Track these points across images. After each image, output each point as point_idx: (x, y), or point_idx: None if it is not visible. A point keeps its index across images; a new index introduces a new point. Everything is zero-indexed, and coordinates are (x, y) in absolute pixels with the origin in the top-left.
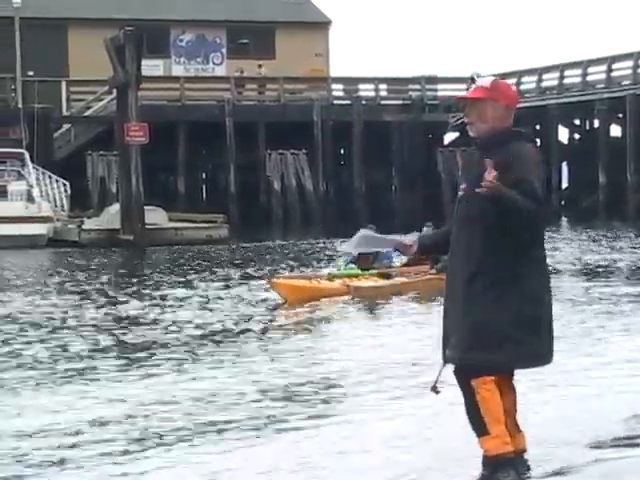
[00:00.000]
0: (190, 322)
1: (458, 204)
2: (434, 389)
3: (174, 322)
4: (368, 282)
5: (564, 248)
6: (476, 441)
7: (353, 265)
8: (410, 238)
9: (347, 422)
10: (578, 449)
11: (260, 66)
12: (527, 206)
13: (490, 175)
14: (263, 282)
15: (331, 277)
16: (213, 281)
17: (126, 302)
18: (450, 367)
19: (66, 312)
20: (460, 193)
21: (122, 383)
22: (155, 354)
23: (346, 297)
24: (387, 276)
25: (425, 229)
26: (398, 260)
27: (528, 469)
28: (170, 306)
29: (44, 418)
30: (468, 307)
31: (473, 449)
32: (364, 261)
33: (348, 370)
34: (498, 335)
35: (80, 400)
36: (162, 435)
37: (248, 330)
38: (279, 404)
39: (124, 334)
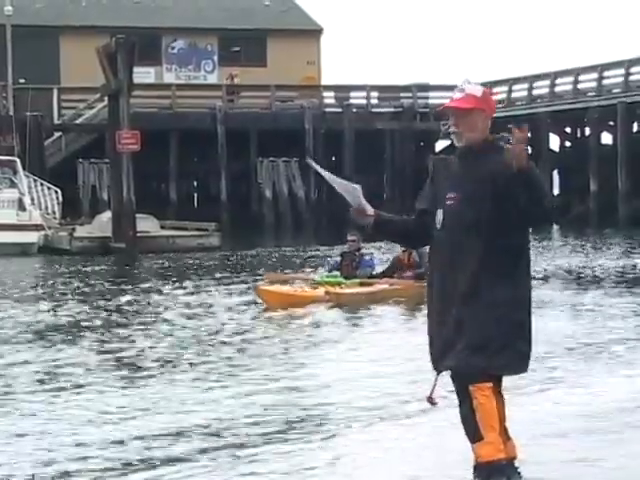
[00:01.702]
0: (175, 329)
1: (448, 213)
2: (430, 400)
3: (160, 330)
4: (349, 289)
5: (556, 255)
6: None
7: (336, 273)
8: (370, 208)
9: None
10: (569, 455)
11: (236, 75)
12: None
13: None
14: (249, 288)
15: (314, 284)
16: (202, 288)
17: (115, 310)
18: (443, 376)
19: (54, 321)
20: (450, 202)
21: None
22: (141, 364)
23: (327, 304)
24: (369, 285)
25: None
26: (380, 268)
27: (519, 476)
28: (158, 313)
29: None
30: (469, 315)
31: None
32: (347, 269)
33: (332, 380)
34: (498, 341)
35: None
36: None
37: (229, 336)
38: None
39: (111, 343)
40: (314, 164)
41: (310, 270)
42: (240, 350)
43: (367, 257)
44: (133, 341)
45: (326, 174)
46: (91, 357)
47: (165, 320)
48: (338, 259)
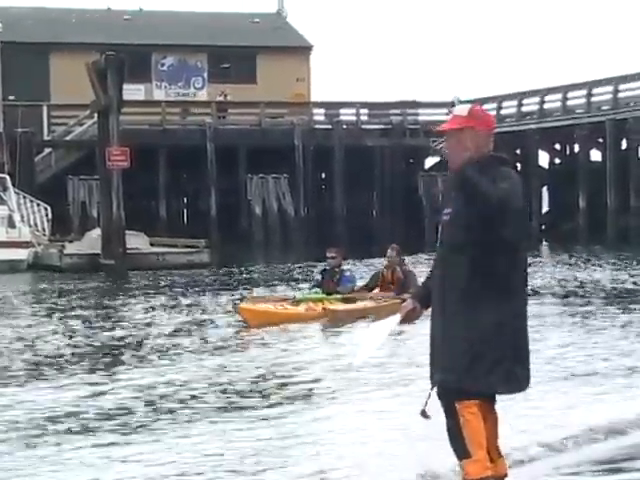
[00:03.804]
0: (159, 345)
1: (443, 230)
2: (424, 414)
3: (145, 344)
4: (343, 306)
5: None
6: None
7: (318, 289)
8: (407, 304)
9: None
10: (557, 473)
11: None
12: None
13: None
14: (234, 305)
15: (295, 301)
16: (190, 306)
17: (103, 327)
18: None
19: (42, 337)
20: (445, 218)
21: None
22: (122, 378)
23: (310, 321)
24: (351, 300)
25: (389, 251)
26: (361, 283)
27: None
28: (143, 330)
29: None
30: (455, 333)
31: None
32: (328, 285)
33: (324, 392)
34: (488, 361)
35: None
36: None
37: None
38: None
39: (100, 357)
40: (359, 360)
41: (293, 287)
42: (225, 365)
43: (347, 273)
44: (122, 354)
45: (373, 343)
46: (78, 369)
47: (152, 336)
48: (319, 277)
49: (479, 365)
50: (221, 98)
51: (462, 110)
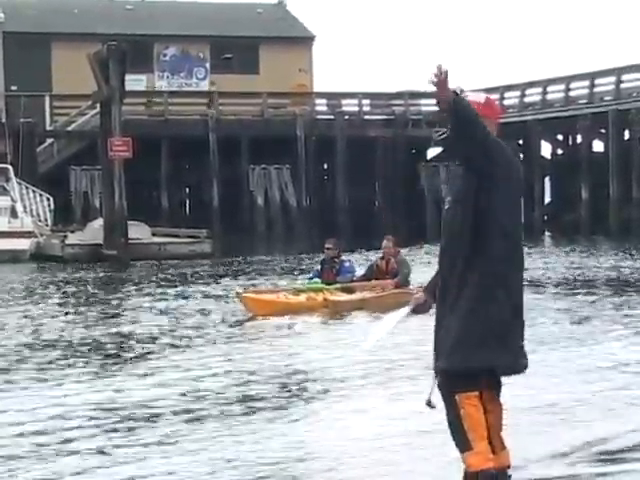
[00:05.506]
0: (160, 336)
1: (444, 218)
2: (429, 403)
3: (146, 336)
4: (344, 296)
5: (546, 262)
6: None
7: (317, 280)
8: (419, 297)
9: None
10: (558, 463)
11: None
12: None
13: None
14: (234, 295)
15: (296, 291)
16: (190, 296)
17: (103, 318)
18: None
19: (43, 328)
20: (446, 207)
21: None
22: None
23: (310, 311)
24: (350, 290)
25: (385, 242)
26: (360, 273)
27: None
28: (144, 320)
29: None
30: (453, 320)
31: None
32: (327, 276)
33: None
34: (479, 341)
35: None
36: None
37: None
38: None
39: (98, 349)
40: (369, 344)
41: (293, 278)
42: (228, 354)
43: (347, 263)
44: (121, 348)
45: (383, 330)
46: (77, 365)
47: (147, 326)
48: (319, 267)
49: (471, 347)
50: (214, 88)
51: (479, 98)
